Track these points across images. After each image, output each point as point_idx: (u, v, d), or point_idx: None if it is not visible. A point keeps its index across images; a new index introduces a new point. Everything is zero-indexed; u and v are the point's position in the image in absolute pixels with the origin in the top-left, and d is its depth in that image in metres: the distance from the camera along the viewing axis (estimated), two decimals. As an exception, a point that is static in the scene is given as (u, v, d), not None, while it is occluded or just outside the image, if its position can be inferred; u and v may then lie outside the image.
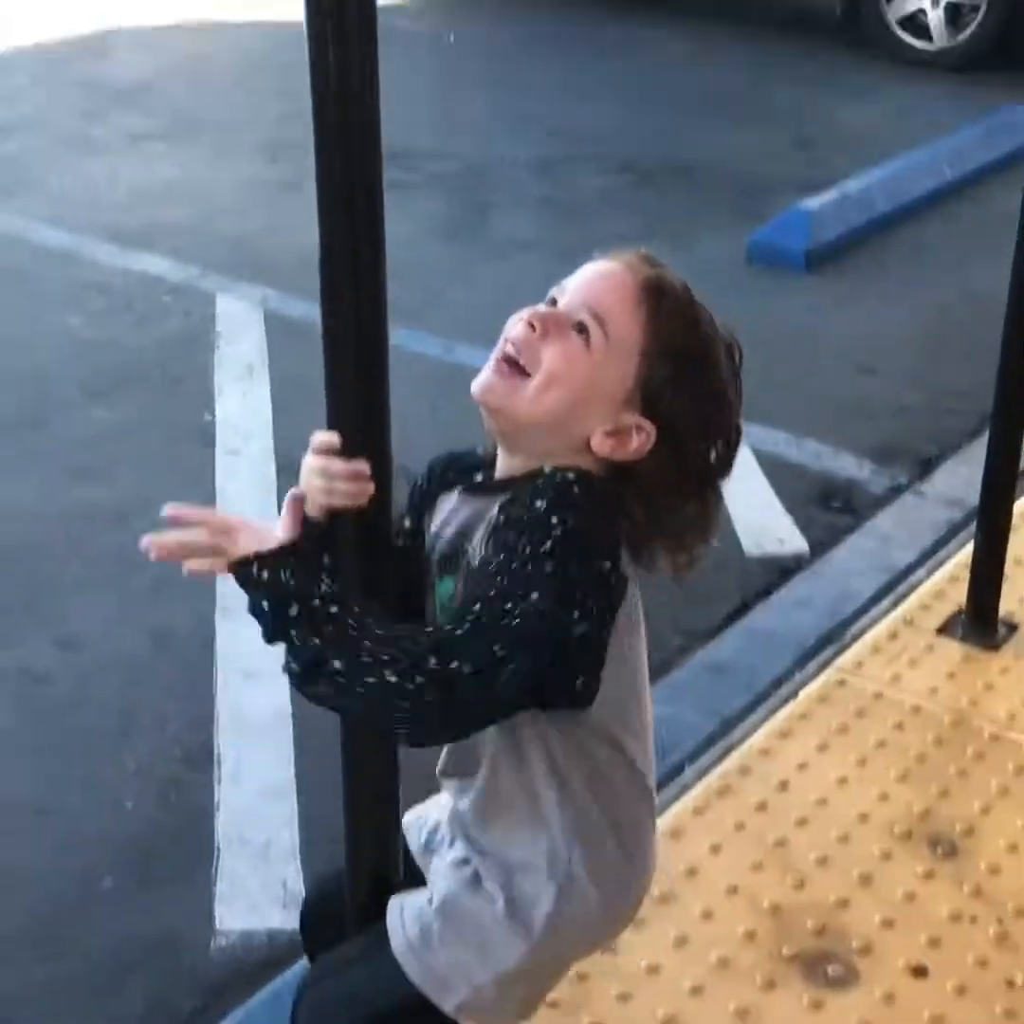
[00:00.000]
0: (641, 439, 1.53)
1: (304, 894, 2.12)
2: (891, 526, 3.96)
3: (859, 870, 2.64)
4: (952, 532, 3.87)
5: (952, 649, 3.29)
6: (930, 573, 3.62)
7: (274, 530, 1.54)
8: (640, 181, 6.49)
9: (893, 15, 8.00)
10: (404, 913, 1.70)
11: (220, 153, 6.66)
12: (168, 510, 1.56)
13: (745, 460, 4.30)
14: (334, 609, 1.45)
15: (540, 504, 1.49)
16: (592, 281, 1.57)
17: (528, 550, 1.45)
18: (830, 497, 4.16)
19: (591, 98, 7.45)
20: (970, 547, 3.41)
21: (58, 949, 2.60)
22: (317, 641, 1.44)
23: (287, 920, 2.64)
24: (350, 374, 1.56)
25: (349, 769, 1.76)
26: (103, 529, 3.92)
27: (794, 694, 3.17)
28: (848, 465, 4.32)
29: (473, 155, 6.68)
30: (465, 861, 1.69)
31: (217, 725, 3.18)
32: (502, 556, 1.47)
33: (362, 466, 1.54)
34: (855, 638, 3.36)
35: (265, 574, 1.49)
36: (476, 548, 1.57)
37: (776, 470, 4.27)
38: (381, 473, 1.58)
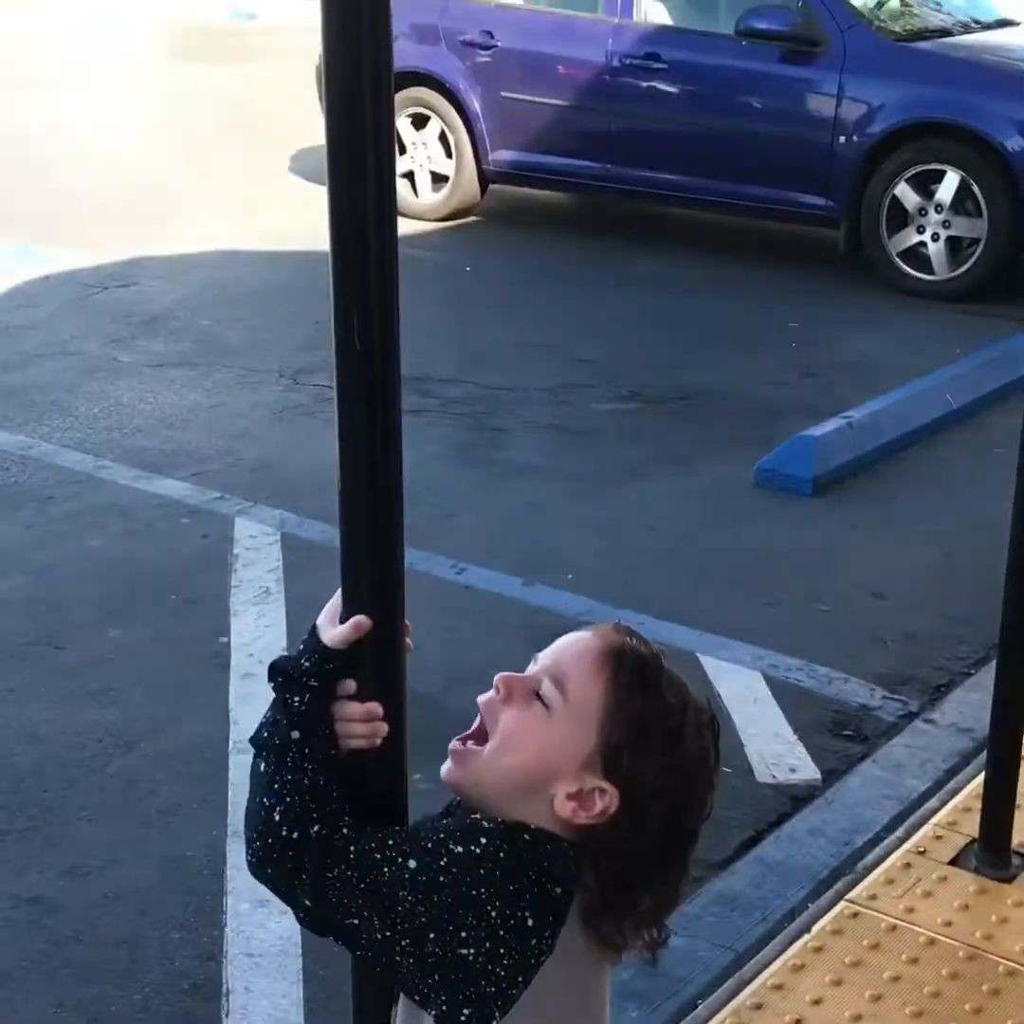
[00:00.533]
0: (605, 803, 1.52)
1: None
2: (903, 754, 3.97)
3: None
4: (964, 761, 3.87)
5: (965, 881, 3.28)
6: (942, 803, 3.62)
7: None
8: (648, 408, 6.65)
9: (894, 248, 8.26)
10: None
11: (241, 379, 6.85)
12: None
13: (756, 686, 4.36)
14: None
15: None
16: (562, 648, 1.61)
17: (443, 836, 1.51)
18: (842, 724, 4.17)
19: (601, 328, 7.68)
20: (981, 777, 3.42)
21: None
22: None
23: None
24: (364, 600, 1.61)
25: (359, 1002, 1.75)
26: (114, 753, 3.94)
27: (807, 927, 3.15)
28: (859, 691, 4.34)
29: (486, 381, 6.86)
30: None
31: (226, 956, 3.16)
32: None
33: (375, 707, 1.59)
34: (868, 869, 3.35)
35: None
36: None
37: (787, 696, 4.29)
38: (395, 708, 1.62)
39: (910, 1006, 2.88)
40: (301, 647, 1.61)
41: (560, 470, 5.94)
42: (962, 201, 8.07)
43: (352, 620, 1.60)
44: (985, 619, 4.67)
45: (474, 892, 1.46)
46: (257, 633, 4.62)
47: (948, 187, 8.07)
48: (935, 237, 8.16)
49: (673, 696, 1.57)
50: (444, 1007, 1.49)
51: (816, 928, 3.14)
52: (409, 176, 9.36)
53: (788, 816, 3.70)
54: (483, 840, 1.50)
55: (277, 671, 1.59)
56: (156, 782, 3.82)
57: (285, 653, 4.39)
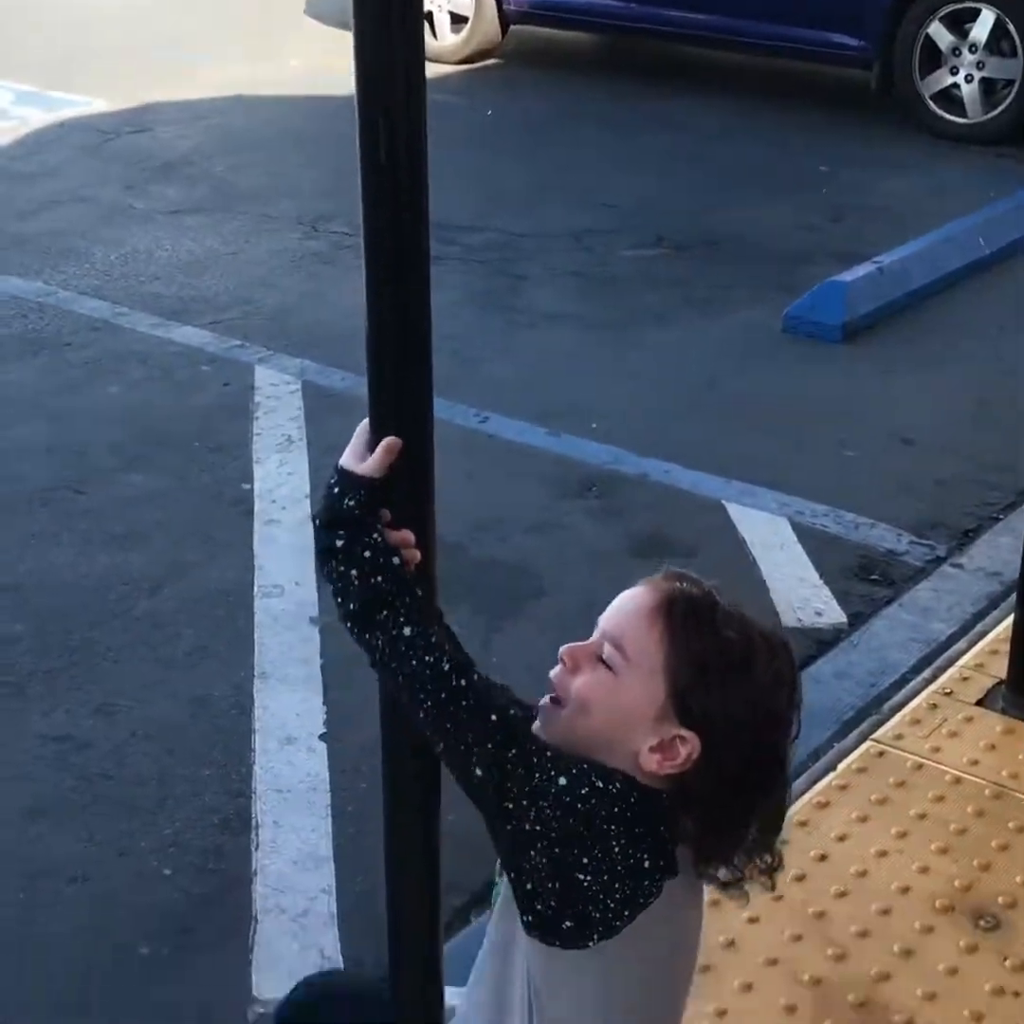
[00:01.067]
0: (687, 749, 1.55)
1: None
2: (930, 598, 3.95)
3: (900, 944, 2.61)
4: (992, 604, 3.85)
5: (992, 721, 3.27)
6: (970, 645, 3.61)
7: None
8: (674, 253, 6.53)
9: (927, 90, 8.04)
10: None
11: (259, 226, 6.74)
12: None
13: (783, 532, 4.32)
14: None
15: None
16: (617, 609, 1.63)
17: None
18: (868, 569, 4.14)
19: (626, 172, 7.52)
20: (1010, 619, 3.40)
21: (92, 1018, 2.59)
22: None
23: (323, 990, 2.62)
24: (391, 425, 1.58)
25: (392, 840, 1.75)
26: (138, 596, 3.95)
27: (833, 766, 3.15)
28: (886, 537, 4.30)
29: (508, 227, 6.74)
30: None
31: (255, 792, 3.18)
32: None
33: (408, 535, 1.58)
34: (894, 710, 3.34)
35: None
36: None
37: (814, 541, 4.26)
38: (426, 540, 1.60)
39: (936, 843, 2.88)
40: (334, 490, 1.59)
41: (584, 317, 5.85)
42: (997, 41, 7.82)
43: (383, 443, 1.57)
44: (1015, 465, 4.63)
45: (605, 826, 1.51)
46: (280, 480, 4.59)
47: (983, 26, 7.82)
48: (969, 78, 7.94)
49: (731, 630, 1.57)
50: (550, 909, 1.53)
51: (841, 767, 3.14)
52: (428, 17, 9.10)
53: (813, 659, 3.69)
54: (618, 783, 1.53)
55: (328, 521, 1.58)
56: (181, 625, 3.82)
57: (308, 499, 4.41)
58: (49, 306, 5.80)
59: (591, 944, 1.54)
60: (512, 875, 1.54)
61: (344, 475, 1.59)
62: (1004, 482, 4.58)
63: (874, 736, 3.24)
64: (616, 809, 1.52)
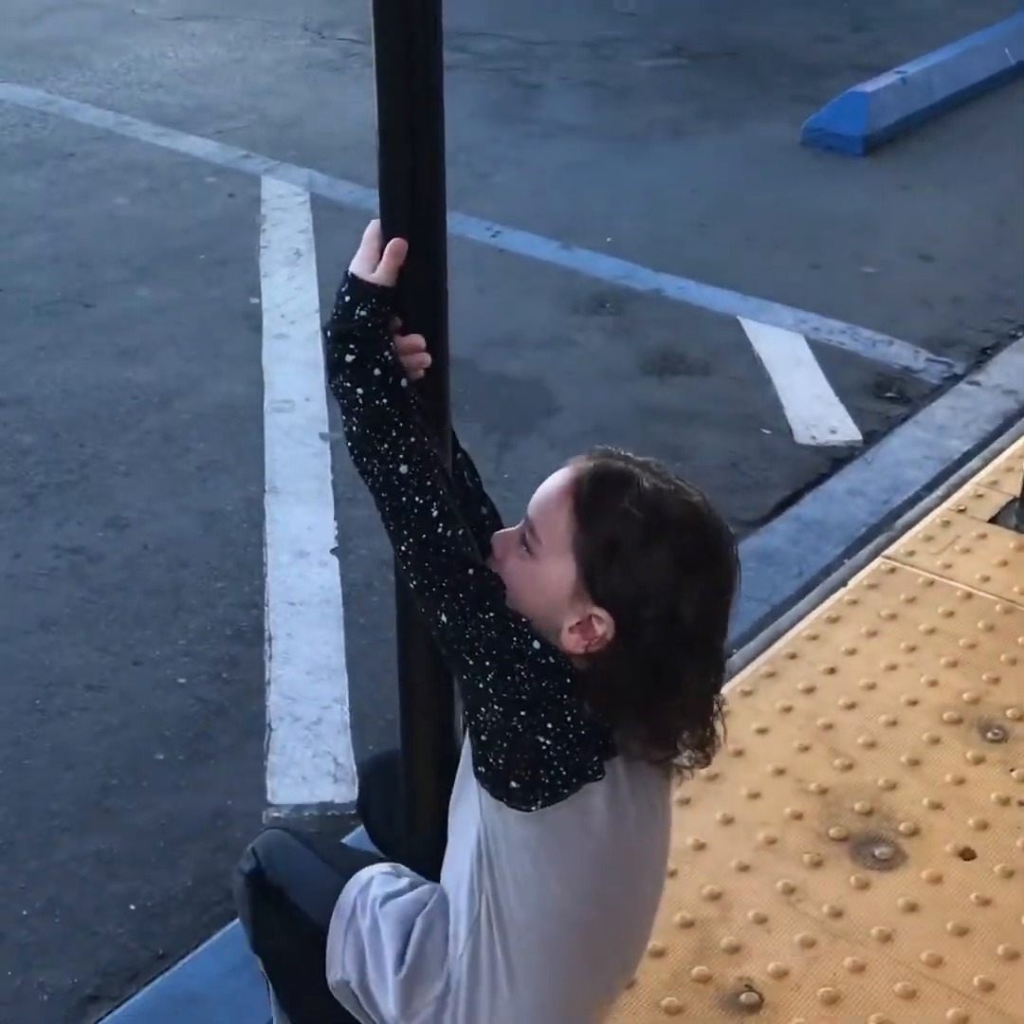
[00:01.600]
0: (603, 628, 1.51)
1: (362, 773, 2.15)
2: (946, 416, 3.92)
3: (907, 754, 2.63)
4: (1008, 422, 3.82)
5: (1005, 538, 3.26)
6: (984, 463, 3.58)
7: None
8: (692, 64, 6.35)
9: None
10: (371, 887, 1.72)
11: (264, 32, 6.56)
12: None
13: (799, 349, 4.28)
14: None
15: None
16: (539, 492, 1.59)
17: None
18: (884, 387, 4.10)
19: (643, -23, 7.29)
20: (1026, 437, 3.38)
21: (110, 822, 2.64)
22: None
23: (338, 794, 2.67)
24: (402, 222, 1.53)
25: (404, 647, 1.75)
26: (148, 410, 3.92)
27: (844, 581, 3.15)
28: (903, 354, 4.25)
29: (522, 36, 6.55)
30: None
31: (267, 604, 3.19)
32: None
33: (418, 340, 1.55)
34: (907, 527, 3.33)
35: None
36: None
37: (830, 359, 4.21)
38: (439, 354, 1.57)
39: (945, 657, 2.89)
40: (345, 299, 1.52)
41: (599, 129, 5.71)
42: None
43: (388, 246, 1.52)
44: (1035, 281, 4.56)
45: (563, 697, 1.50)
46: (289, 294, 4.53)
47: None
48: None
49: (642, 506, 1.50)
50: (500, 765, 1.52)
51: (853, 582, 3.14)
52: None
53: (827, 476, 3.68)
54: (570, 666, 1.51)
55: (339, 333, 1.52)
56: (191, 439, 3.80)
57: (317, 314, 4.35)
58: (51, 115, 5.67)
59: (534, 808, 1.53)
60: (471, 723, 1.54)
61: (355, 283, 1.54)
62: (1022, 299, 4.51)
63: (886, 552, 3.23)
64: (568, 681, 1.50)
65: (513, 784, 1.52)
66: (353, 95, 5.69)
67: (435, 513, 1.51)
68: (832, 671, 2.87)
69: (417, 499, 1.51)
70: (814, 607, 3.07)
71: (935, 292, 4.61)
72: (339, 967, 1.70)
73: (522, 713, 1.48)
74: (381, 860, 1.84)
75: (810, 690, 2.81)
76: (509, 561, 1.57)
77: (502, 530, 1.63)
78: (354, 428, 1.52)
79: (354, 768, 2.73)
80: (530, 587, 1.54)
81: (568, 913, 1.59)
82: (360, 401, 1.51)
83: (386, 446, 1.51)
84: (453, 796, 1.69)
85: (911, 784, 2.57)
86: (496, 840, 1.57)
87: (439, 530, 1.51)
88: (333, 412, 3.90)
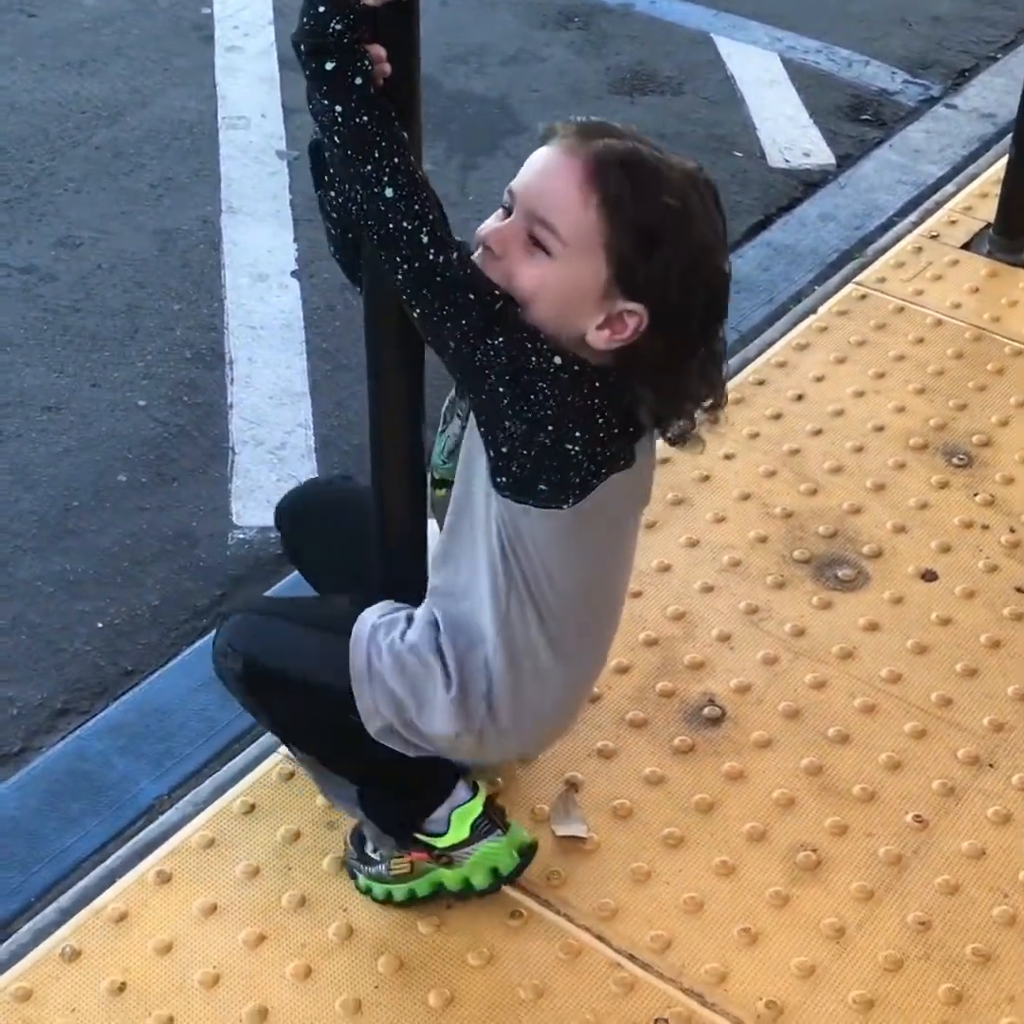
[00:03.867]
0: (635, 322, 1.51)
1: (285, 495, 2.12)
2: (921, 140, 3.81)
3: (873, 479, 2.64)
4: (985, 146, 3.73)
5: (977, 264, 3.22)
6: (959, 188, 3.51)
7: None
8: None
9: None
10: (378, 636, 1.70)
11: None
12: None
13: (773, 68, 4.13)
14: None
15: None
16: (537, 181, 1.51)
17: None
18: (860, 109, 3.98)
19: None
20: (1003, 162, 3.29)
21: (73, 543, 2.62)
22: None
23: (303, 517, 2.65)
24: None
25: (375, 371, 1.69)
26: (98, 124, 3.77)
27: (813, 309, 3.11)
28: (880, 75, 4.12)
29: None
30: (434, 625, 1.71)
31: (227, 328, 3.13)
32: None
33: (381, 50, 1.46)
34: (879, 253, 3.28)
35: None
36: None
37: (805, 80, 4.08)
38: (410, 73, 1.49)
39: (912, 384, 2.88)
40: (319, 9, 1.41)
41: None
42: None
43: None
44: (1016, 1, 4.40)
45: (592, 402, 1.51)
46: (242, 4, 4.32)
47: None
48: None
49: (671, 192, 1.48)
50: (526, 473, 1.53)
51: (822, 309, 3.10)
52: None
53: (799, 201, 3.59)
54: (591, 367, 1.52)
55: (314, 46, 1.41)
56: (144, 155, 3.67)
57: (272, 27, 4.16)
58: None
59: (566, 506, 1.55)
60: (489, 438, 1.53)
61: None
62: (1004, 18, 4.37)
63: (857, 279, 3.19)
64: (598, 384, 1.51)
65: (542, 487, 1.54)
66: None
67: (426, 238, 1.45)
68: (800, 397, 2.85)
69: (405, 224, 1.44)
70: (783, 334, 3.04)
71: (914, 10, 4.44)
72: (377, 717, 1.70)
73: (549, 428, 1.49)
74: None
75: (777, 416, 2.80)
76: (517, 265, 1.51)
77: (492, 226, 1.54)
78: (335, 150, 1.45)
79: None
80: (549, 290, 1.50)
81: (598, 583, 1.71)
82: (339, 119, 1.43)
83: (369, 167, 1.44)
84: (448, 521, 1.69)
85: (875, 508, 2.58)
86: (520, 539, 1.60)
87: (432, 256, 1.45)
88: (290, 129, 3.76)
